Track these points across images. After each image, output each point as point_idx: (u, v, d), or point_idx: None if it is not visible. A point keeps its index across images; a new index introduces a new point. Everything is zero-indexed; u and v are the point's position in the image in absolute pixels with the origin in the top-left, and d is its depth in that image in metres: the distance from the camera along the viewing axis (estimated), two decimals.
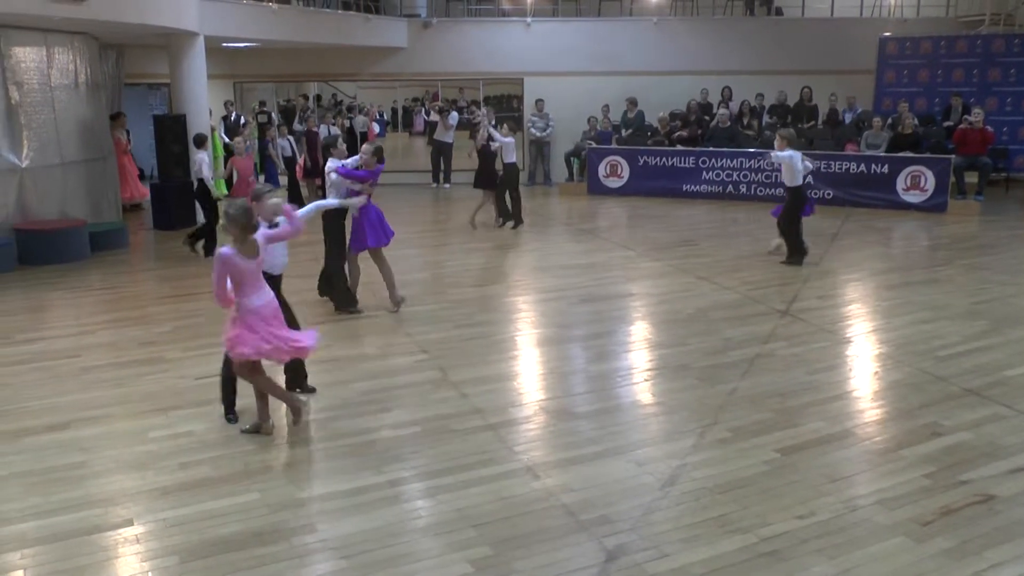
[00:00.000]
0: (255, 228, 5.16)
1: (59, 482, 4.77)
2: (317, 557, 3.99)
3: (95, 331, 7.89)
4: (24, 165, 10.98)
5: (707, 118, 17.05)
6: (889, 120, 15.54)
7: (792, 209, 10.15)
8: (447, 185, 18.39)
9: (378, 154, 8.06)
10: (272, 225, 5.50)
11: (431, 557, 3.97)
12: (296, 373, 6.08)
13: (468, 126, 17.56)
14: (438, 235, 12.83)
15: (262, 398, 5.43)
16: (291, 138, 15.91)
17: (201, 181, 11.12)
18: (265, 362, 5.40)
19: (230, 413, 5.66)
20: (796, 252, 10.22)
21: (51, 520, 4.34)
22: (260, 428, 5.41)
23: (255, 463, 4.99)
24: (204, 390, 6.18)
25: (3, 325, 8.04)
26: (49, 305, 8.87)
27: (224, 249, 5.06)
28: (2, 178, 10.75)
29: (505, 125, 12.61)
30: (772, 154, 10.23)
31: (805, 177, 10.70)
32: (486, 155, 12.50)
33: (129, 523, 4.31)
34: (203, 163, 11.01)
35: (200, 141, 11.31)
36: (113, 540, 4.16)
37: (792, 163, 9.85)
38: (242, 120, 17.42)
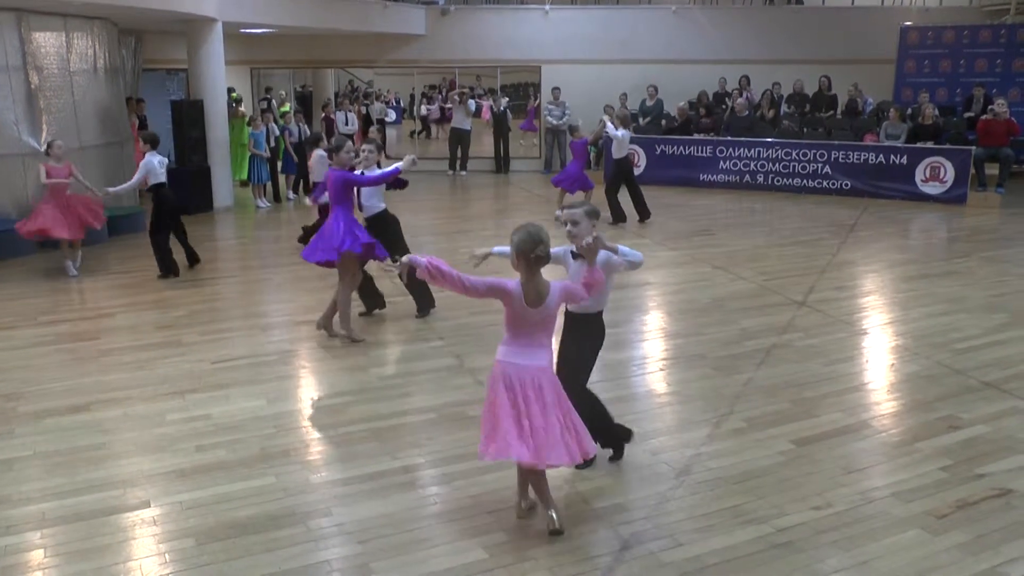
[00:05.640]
0: None
1: (79, 463, 4.82)
2: (333, 541, 4.01)
3: (114, 314, 7.95)
4: (43, 149, 11.04)
5: (723, 107, 16.96)
6: (909, 111, 15.41)
7: (616, 178, 12.60)
8: (464, 172, 18.40)
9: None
10: None
11: (447, 543, 3.98)
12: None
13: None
14: (455, 222, 12.84)
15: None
16: (303, 124, 15.93)
17: None
18: None
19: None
20: (617, 215, 12.47)
21: (71, 500, 4.39)
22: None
23: (271, 447, 5.01)
24: (220, 374, 6.24)
25: (26, 307, 8.13)
26: (69, 287, 8.94)
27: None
28: (22, 162, 10.82)
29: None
30: (608, 128, 12.41)
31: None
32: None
33: (146, 505, 4.35)
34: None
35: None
36: (131, 521, 4.20)
37: (623, 140, 12.29)
38: (271, 103, 17.55)
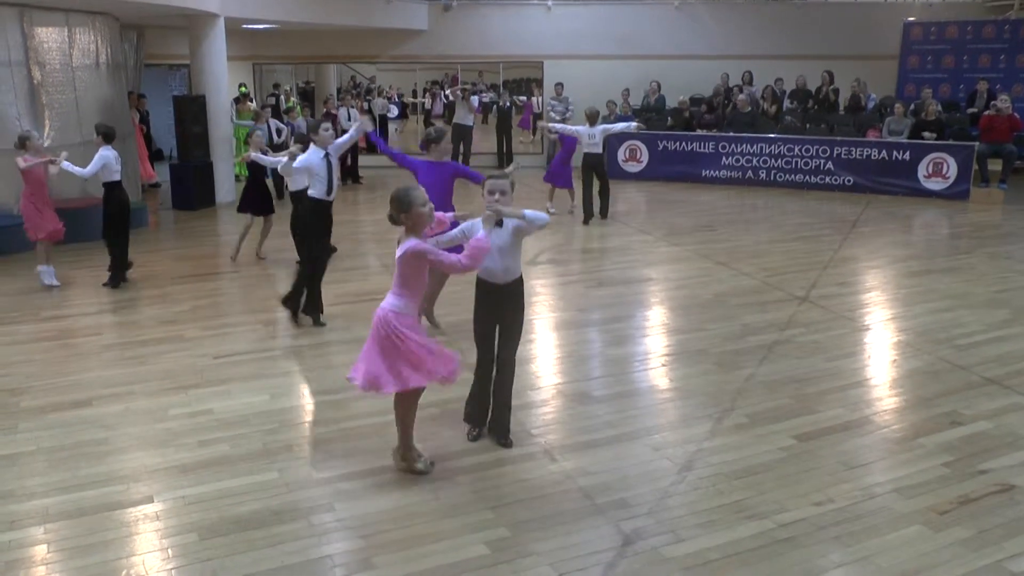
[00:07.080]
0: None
1: (82, 458, 4.83)
2: (335, 536, 4.02)
3: (116, 309, 7.97)
4: (46, 144, 11.05)
5: (727, 102, 16.94)
6: (912, 106, 15.38)
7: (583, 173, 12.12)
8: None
9: None
10: None
11: (448, 538, 3.99)
12: None
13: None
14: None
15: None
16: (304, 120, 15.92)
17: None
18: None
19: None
20: (587, 212, 12.17)
21: (74, 495, 4.40)
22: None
23: (273, 442, 5.02)
24: (222, 369, 6.25)
25: (29, 302, 8.14)
26: (71, 283, 8.94)
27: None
28: None
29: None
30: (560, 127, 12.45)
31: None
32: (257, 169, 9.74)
33: (149, 500, 4.36)
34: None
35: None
36: (133, 516, 4.21)
37: (582, 136, 11.82)
38: (279, 100, 17.58)
